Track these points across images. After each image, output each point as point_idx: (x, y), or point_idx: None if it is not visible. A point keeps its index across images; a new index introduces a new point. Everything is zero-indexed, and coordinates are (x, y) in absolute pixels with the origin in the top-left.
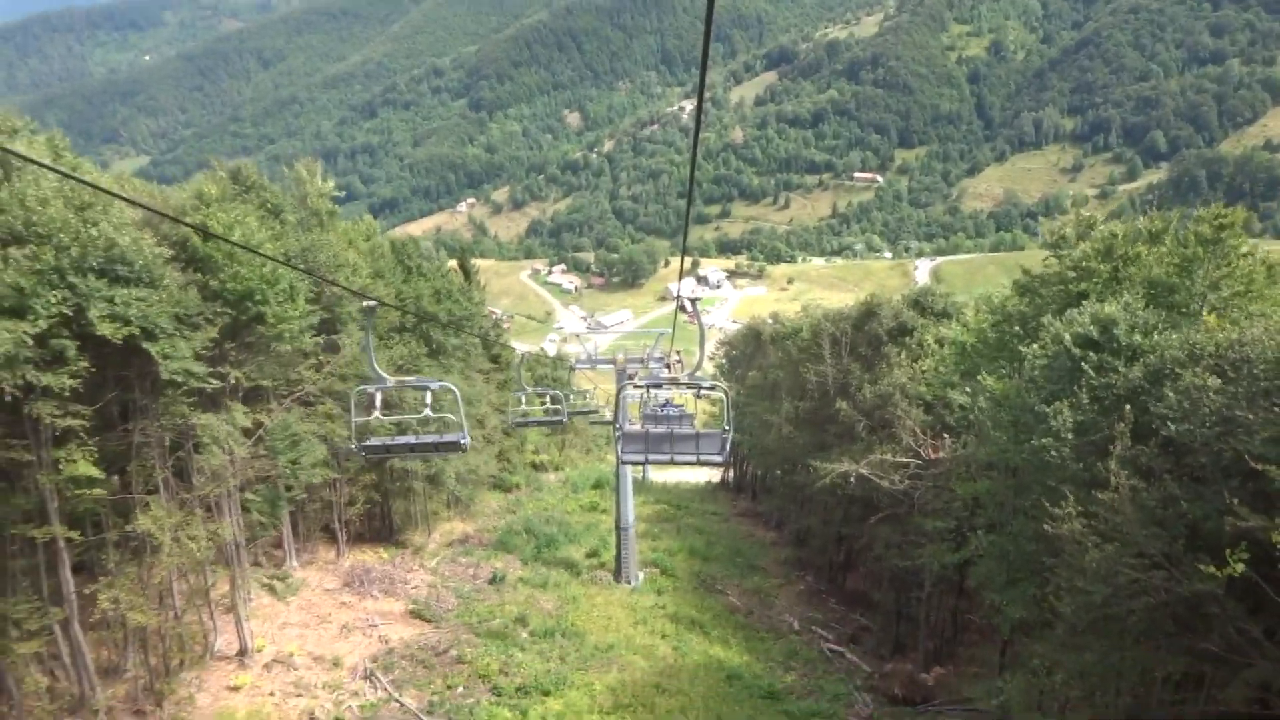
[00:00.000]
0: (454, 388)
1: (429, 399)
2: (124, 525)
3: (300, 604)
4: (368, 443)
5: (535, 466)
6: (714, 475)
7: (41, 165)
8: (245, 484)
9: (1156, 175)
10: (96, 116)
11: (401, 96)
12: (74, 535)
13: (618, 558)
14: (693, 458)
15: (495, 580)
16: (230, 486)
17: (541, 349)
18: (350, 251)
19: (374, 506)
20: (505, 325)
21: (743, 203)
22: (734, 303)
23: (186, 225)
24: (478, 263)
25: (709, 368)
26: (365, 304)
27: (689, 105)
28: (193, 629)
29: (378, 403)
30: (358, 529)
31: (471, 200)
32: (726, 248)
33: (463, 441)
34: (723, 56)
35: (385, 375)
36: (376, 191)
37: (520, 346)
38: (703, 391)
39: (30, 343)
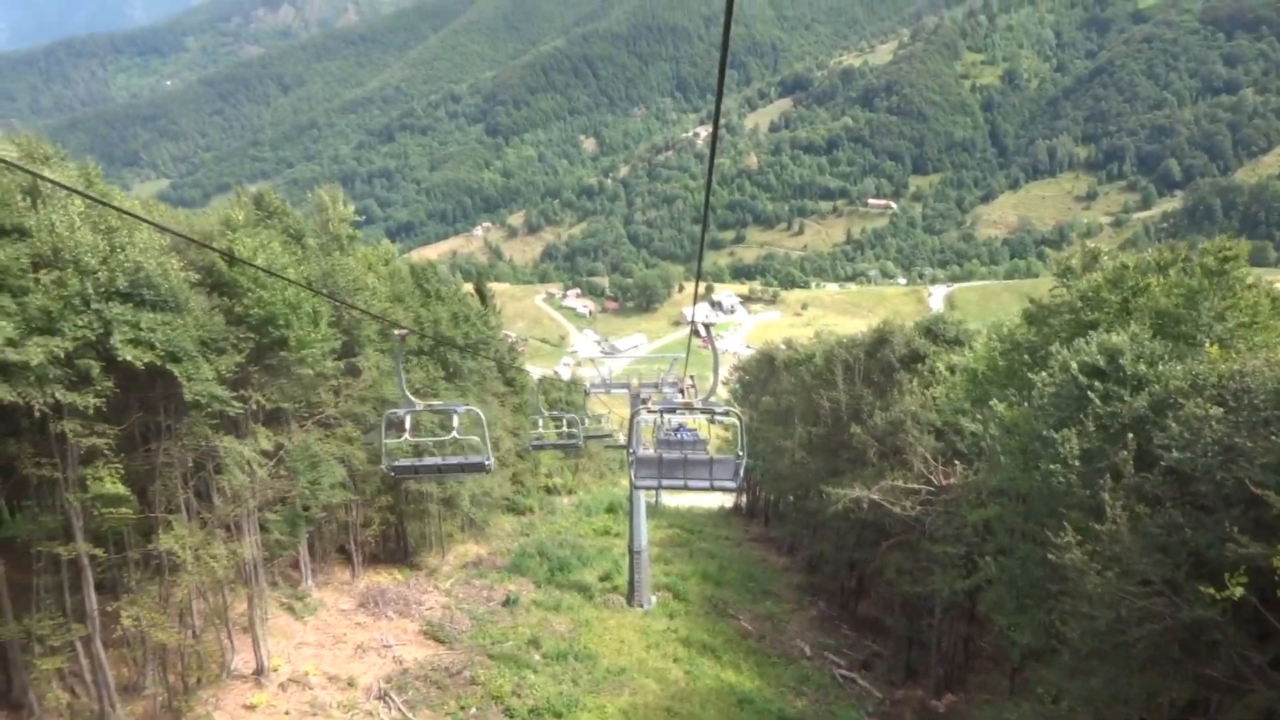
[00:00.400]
0: (479, 412)
1: (455, 422)
2: (146, 544)
3: (316, 624)
4: (397, 464)
5: (549, 490)
6: (727, 500)
7: (76, 192)
8: (265, 504)
9: (1171, 203)
10: (118, 140)
11: (419, 121)
12: (98, 553)
13: (630, 581)
14: (706, 483)
15: (509, 602)
16: (250, 507)
17: (555, 372)
18: (370, 275)
19: (389, 528)
20: (520, 349)
21: (757, 228)
22: (748, 328)
23: (214, 250)
24: (493, 286)
25: (723, 393)
26: (396, 333)
27: (704, 131)
28: (211, 647)
29: (407, 426)
30: (373, 550)
31: (487, 224)
32: (741, 273)
33: (486, 463)
34: (738, 83)
35: (415, 400)
36: (393, 215)
37: (534, 370)
38: (716, 417)
39: (62, 358)
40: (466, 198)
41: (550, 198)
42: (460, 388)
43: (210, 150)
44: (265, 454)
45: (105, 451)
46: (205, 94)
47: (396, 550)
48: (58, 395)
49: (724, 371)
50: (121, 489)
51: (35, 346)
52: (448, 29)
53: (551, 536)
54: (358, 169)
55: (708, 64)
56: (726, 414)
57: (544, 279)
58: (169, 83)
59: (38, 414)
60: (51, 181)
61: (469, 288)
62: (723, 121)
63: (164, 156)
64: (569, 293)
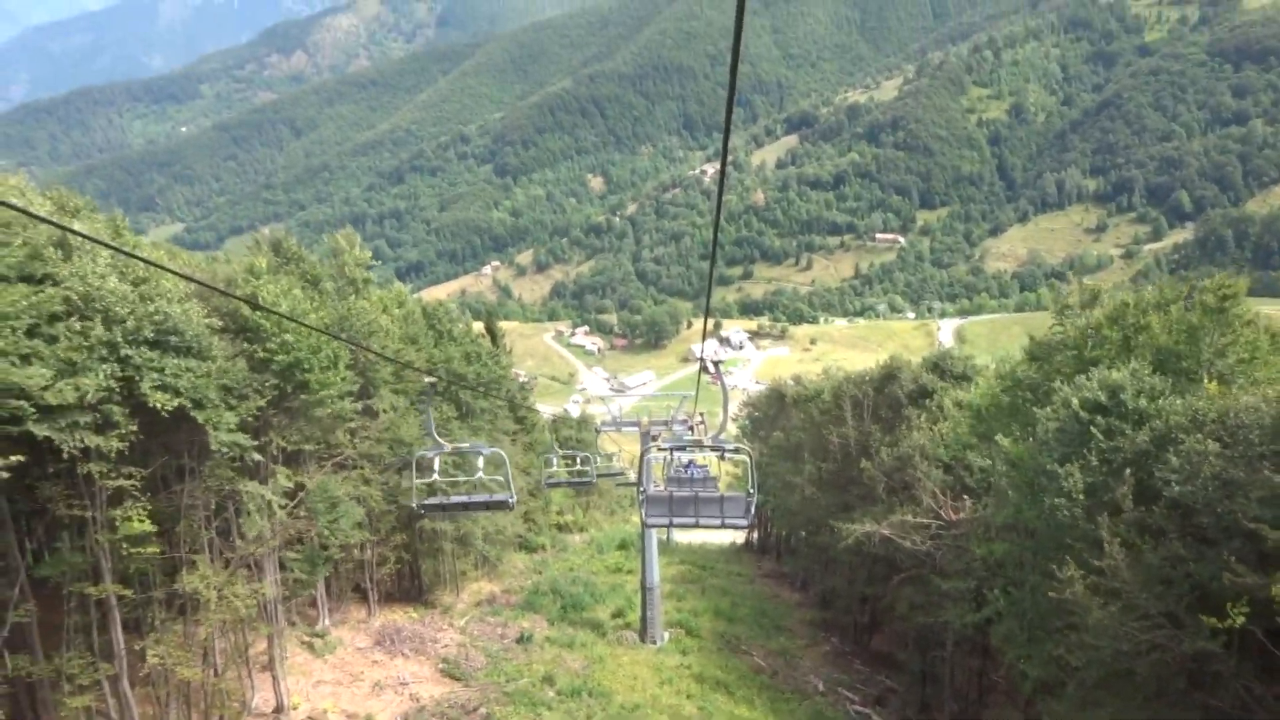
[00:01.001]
0: (503, 454)
1: (480, 463)
2: (171, 583)
3: (334, 662)
4: (427, 502)
5: (560, 528)
6: (738, 536)
7: (108, 246)
8: (285, 543)
9: (1182, 235)
10: (134, 185)
11: (429, 163)
12: (126, 593)
13: (643, 618)
14: (717, 521)
15: (523, 640)
16: (271, 546)
17: (565, 410)
18: (384, 317)
19: (404, 566)
20: (531, 387)
21: (765, 264)
22: (757, 364)
23: (240, 299)
24: (502, 325)
25: (732, 429)
26: (427, 380)
27: (710, 168)
28: (232, 685)
29: (436, 466)
30: (388, 588)
31: (496, 263)
32: (749, 309)
33: (510, 500)
34: (744, 121)
35: (443, 442)
36: (403, 255)
37: (544, 408)
38: (726, 454)
39: (91, 399)
40: (476, 237)
41: (558, 236)
42: (472, 426)
43: (224, 194)
44: (286, 494)
45: (134, 492)
46: (219, 139)
47: (411, 588)
48: (85, 439)
49: (733, 407)
50: (148, 527)
51: (67, 388)
52: (457, 72)
53: (564, 573)
54: (368, 210)
55: (713, 102)
56: (737, 451)
57: (553, 317)
58: (184, 129)
59: (67, 456)
60: (83, 235)
61: (479, 326)
62: (730, 158)
63: (179, 201)
64: (578, 330)
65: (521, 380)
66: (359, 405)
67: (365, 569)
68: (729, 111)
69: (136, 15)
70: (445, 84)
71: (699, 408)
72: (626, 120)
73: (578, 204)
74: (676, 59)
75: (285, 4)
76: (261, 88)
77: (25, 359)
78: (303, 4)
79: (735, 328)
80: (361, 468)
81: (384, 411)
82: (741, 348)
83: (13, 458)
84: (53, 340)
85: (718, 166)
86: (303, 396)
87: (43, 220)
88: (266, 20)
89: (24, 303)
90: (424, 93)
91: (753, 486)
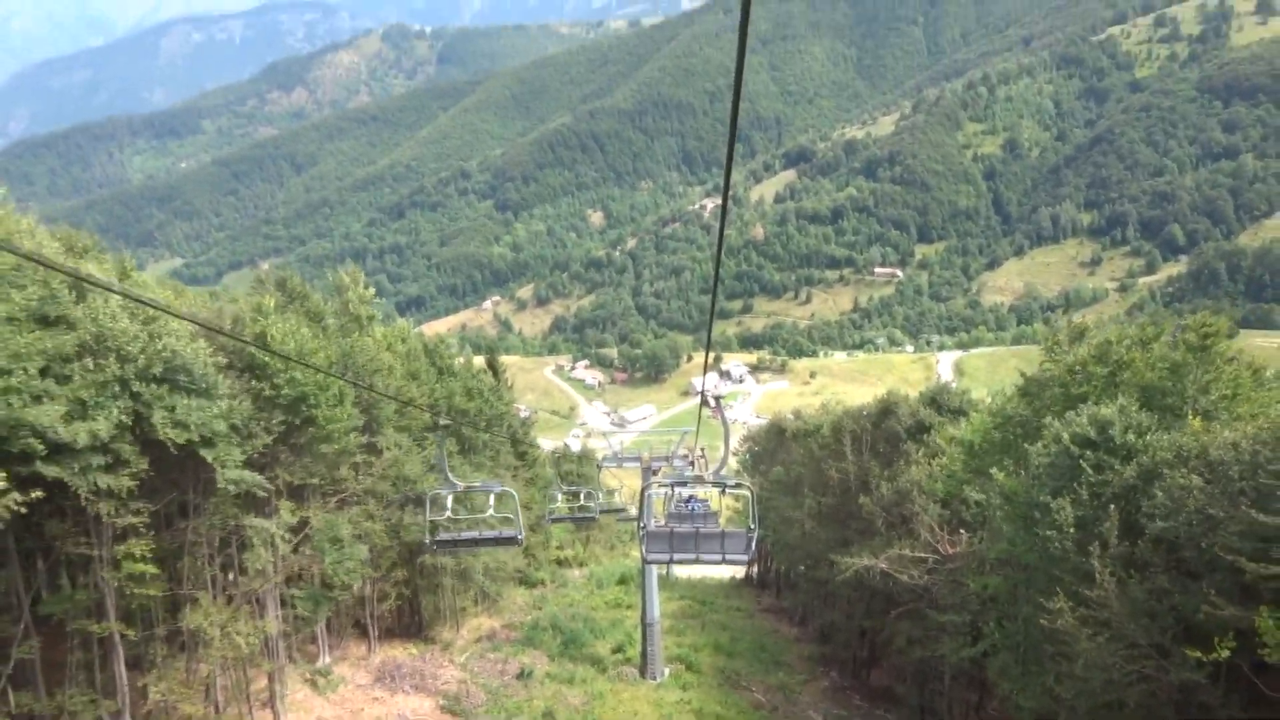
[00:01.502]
0: (513, 492)
1: (491, 500)
2: (173, 620)
3: (335, 699)
4: (441, 538)
5: (559, 562)
6: (738, 571)
7: (116, 290)
8: (288, 579)
9: (1176, 268)
10: (134, 220)
11: (429, 198)
12: (129, 631)
13: (643, 653)
14: (718, 557)
15: (523, 676)
16: (275, 581)
17: (566, 445)
18: (387, 354)
19: (404, 602)
20: (532, 421)
21: (764, 298)
22: (757, 397)
23: (244, 343)
24: (503, 359)
25: (732, 463)
26: (442, 422)
27: (710, 203)
28: None
29: (449, 504)
30: (388, 624)
31: (496, 298)
32: (749, 342)
33: (519, 536)
34: (743, 156)
35: (456, 481)
36: (404, 289)
37: (545, 442)
38: (728, 490)
39: (103, 439)
40: (476, 272)
41: (559, 270)
42: (474, 462)
43: (224, 229)
44: (290, 529)
45: (140, 529)
46: (219, 174)
47: (411, 624)
48: (97, 480)
49: (734, 441)
50: (152, 568)
51: (81, 428)
52: (457, 108)
53: (564, 609)
54: (369, 245)
55: (713, 138)
56: (738, 486)
57: (553, 351)
58: (184, 164)
59: (77, 495)
60: (98, 284)
61: (479, 361)
62: (729, 193)
63: (178, 236)
64: (578, 364)
65: (523, 415)
66: (363, 440)
67: (365, 604)
68: (730, 146)
69: (138, 51)
70: (446, 120)
71: (700, 442)
72: (626, 156)
73: (578, 239)
74: (675, 95)
75: (287, 41)
76: (262, 123)
77: (37, 398)
78: (304, 41)
79: (735, 361)
80: (365, 504)
81: (388, 449)
82: (742, 381)
83: (32, 493)
84: (65, 380)
85: (717, 201)
86: (310, 431)
87: (62, 270)
88: (268, 56)
89: (38, 346)
90: (425, 129)
91: (754, 522)
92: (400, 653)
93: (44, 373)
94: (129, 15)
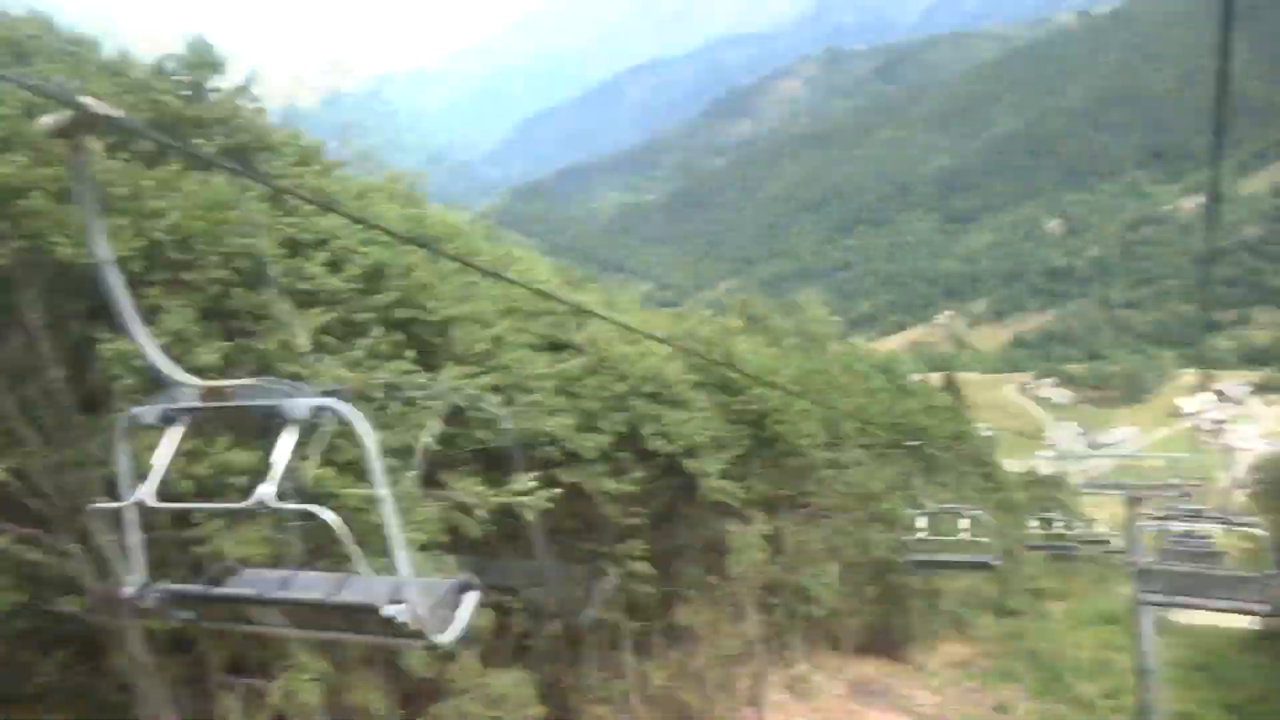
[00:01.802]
0: (988, 516)
1: (965, 523)
2: (666, 615)
3: (812, 705)
4: (917, 557)
5: (1036, 593)
6: (1256, 622)
7: (612, 320)
8: (764, 587)
9: None
10: (607, 250)
11: (874, 214)
12: (632, 623)
13: (1139, 703)
14: (1228, 604)
15: (1002, 710)
16: (753, 588)
17: (1033, 468)
18: (845, 375)
19: (875, 620)
20: (995, 442)
21: (1265, 307)
22: (1264, 422)
23: (713, 362)
24: (960, 376)
25: (1239, 497)
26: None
27: (1187, 202)
28: (722, 715)
29: (924, 524)
30: (859, 640)
31: (950, 312)
32: (1249, 358)
33: (994, 562)
34: (1226, 146)
35: (931, 504)
36: (854, 307)
37: (1010, 464)
38: (1233, 526)
39: (606, 446)
40: (925, 286)
41: (1014, 282)
42: (938, 482)
43: (685, 254)
44: (765, 537)
45: (641, 529)
46: (678, 204)
47: (882, 641)
48: (602, 485)
49: (1239, 472)
50: (648, 570)
51: (588, 439)
52: (897, 122)
53: (1043, 644)
54: (818, 264)
55: (1183, 131)
56: (1246, 525)
57: (1013, 368)
58: (649, 197)
59: (591, 497)
60: (607, 319)
61: (935, 378)
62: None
63: (646, 261)
64: (1042, 382)
65: (985, 434)
66: (826, 455)
67: (838, 617)
68: (1219, 135)
69: (608, 99)
70: (886, 135)
71: (1195, 471)
72: (1083, 157)
73: (1033, 248)
74: (1137, 86)
75: (732, 75)
76: (714, 154)
77: (552, 413)
78: (746, 72)
79: (1233, 380)
80: (833, 518)
81: (851, 466)
82: (1242, 403)
83: (554, 490)
84: (574, 396)
85: (1194, 199)
86: (777, 444)
87: (565, 302)
88: (714, 92)
89: (553, 369)
90: (866, 146)
91: (1277, 568)
92: (872, 669)
93: (557, 391)
94: (600, 68)
